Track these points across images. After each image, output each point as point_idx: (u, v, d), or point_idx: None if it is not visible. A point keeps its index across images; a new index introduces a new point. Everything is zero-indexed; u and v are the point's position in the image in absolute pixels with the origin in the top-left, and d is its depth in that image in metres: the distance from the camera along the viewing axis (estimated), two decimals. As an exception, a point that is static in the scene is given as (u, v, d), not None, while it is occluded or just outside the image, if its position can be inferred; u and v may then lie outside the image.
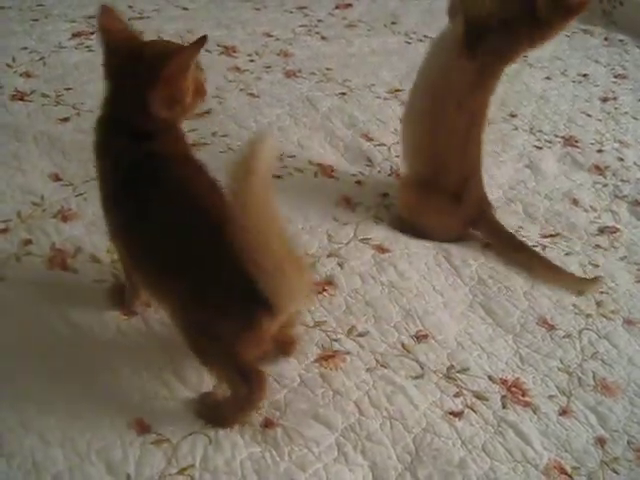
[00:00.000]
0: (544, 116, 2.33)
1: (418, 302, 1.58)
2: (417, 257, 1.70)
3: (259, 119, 2.10)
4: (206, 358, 1.23)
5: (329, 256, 1.66)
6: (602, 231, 1.89)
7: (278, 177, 1.85)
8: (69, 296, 1.47)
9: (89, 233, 1.63)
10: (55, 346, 1.35)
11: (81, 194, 1.73)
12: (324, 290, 1.57)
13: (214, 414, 1.27)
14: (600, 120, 2.37)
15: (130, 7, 2.68)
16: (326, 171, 1.93)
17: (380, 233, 1.76)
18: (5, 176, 1.76)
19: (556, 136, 2.24)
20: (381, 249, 1.71)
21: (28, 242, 1.58)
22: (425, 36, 2.75)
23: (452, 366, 1.45)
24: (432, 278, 1.65)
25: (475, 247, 1.76)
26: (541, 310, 1.61)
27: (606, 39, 2.99)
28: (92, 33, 2.45)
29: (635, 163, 2.17)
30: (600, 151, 2.20)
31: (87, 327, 1.41)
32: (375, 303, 1.56)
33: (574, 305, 1.64)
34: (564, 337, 1.56)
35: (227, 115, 2.11)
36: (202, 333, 1.18)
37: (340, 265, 1.65)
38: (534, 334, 1.56)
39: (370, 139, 2.09)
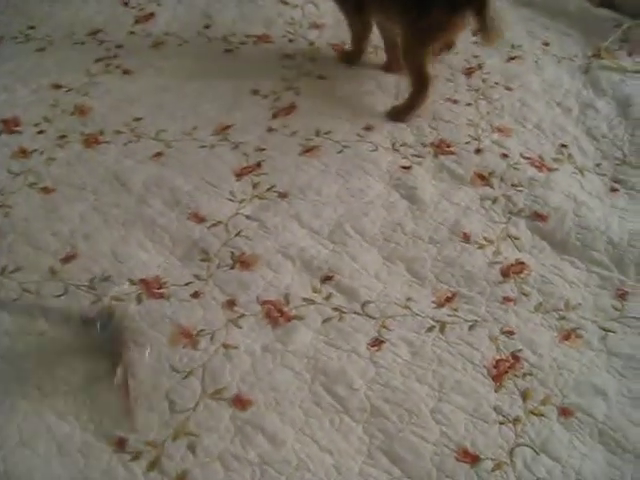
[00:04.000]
0: (404, 124, 1.90)
1: (301, 477, 1.20)
2: (288, 401, 1.30)
3: (58, 229, 1.62)
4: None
5: (174, 439, 1.25)
6: (506, 274, 1.53)
7: (88, 320, 1.40)
8: None
9: None
10: None
11: None
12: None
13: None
14: (470, 104, 1.97)
15: None
16: (151, 290, 1.49)
17: (235, 374, 1.34)
18: None
19: (423, 145, 1.83)
20: (240, 402, 1.30)
21: None
22: (248, 35, 2.25)
23: None
24: (313, 429, 1.26)
25: (358, 361, 1.38)
26: (458, 435, 1.26)
27: None
28: None
29: (522, 155, 1.81)
30: (479, 151, 1.82)
31: None
32: (245, 505, 1.17)
33: (495, 409, 1.29)
34: (493, 470, 1.21)
35: (17, 234, 1.61)
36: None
37: (190, 449, 1.23)
38: (455, 476, 1.20)
39: (201, 219, 1.64)
